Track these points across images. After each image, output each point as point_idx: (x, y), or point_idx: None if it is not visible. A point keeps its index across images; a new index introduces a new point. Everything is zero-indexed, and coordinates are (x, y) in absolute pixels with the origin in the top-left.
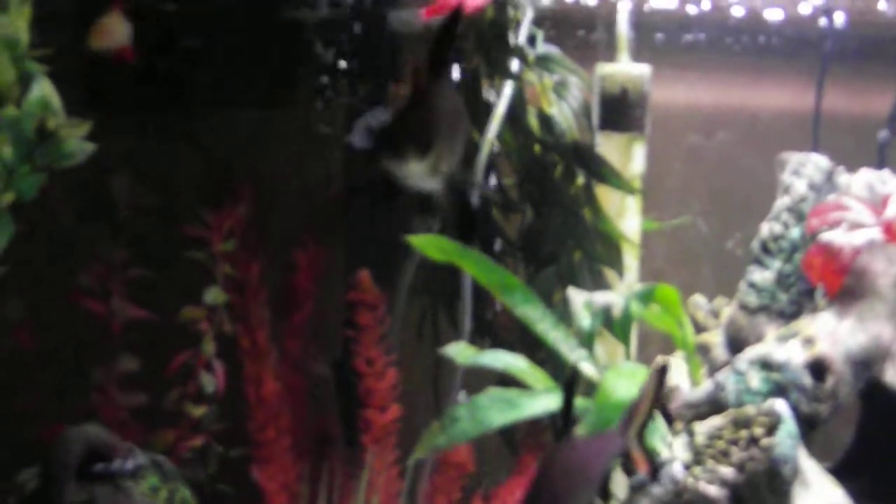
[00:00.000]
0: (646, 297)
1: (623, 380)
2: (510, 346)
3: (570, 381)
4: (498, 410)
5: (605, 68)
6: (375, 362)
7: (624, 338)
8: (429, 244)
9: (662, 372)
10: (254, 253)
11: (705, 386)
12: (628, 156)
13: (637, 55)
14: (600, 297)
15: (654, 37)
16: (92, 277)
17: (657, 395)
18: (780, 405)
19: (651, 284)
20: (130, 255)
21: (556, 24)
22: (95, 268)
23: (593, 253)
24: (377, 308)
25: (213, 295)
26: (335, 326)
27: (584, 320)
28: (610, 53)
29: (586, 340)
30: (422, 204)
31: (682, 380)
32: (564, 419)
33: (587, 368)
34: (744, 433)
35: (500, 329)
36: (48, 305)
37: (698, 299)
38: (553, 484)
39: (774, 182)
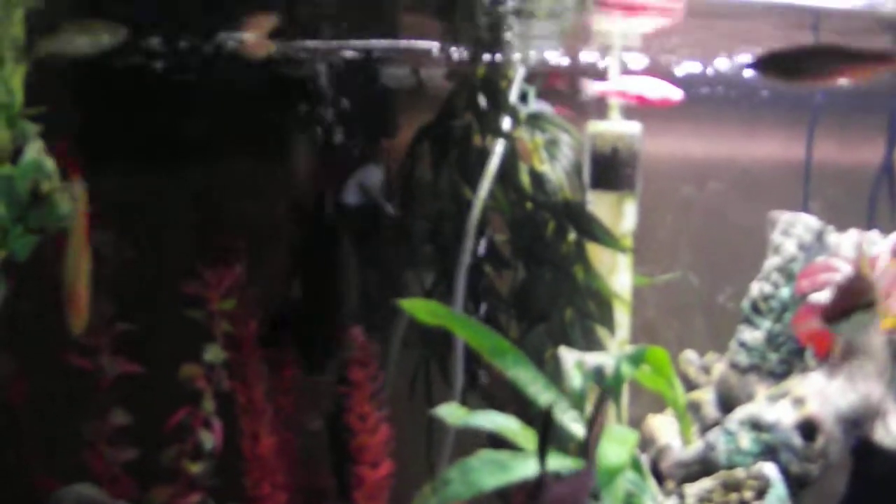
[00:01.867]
0: (636, 359)
1: (615, 445)
2: (502, 403)
3: (545, 423)
4: (489, 473)
5: (595, 126)
6: (368, 418)
7: (615, 399)
8: (419, 308)
9: (602, 400)
10: (250, 309)
11: (696, 446)
12: (619, 213)
13: (627, 109)
14: (591, 358)
15: None
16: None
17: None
18: (770, 469)
19: (642, 346)
20: (119, 309)
21: (546, 81)
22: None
23: (585, 310)
24: (369, 365)
25: (213, 353)
26: (328, 381)
27: (576, 380)
28: (601, 110)
29: (577, 401)
30: (414, 258)
31: (674, 438)
32: (540, 458)
33: (578, 430)
34: (734, 496)
35: (491, 385)
36: (38, 361)
37: (690, 355)
38: None
39: (766, 235)
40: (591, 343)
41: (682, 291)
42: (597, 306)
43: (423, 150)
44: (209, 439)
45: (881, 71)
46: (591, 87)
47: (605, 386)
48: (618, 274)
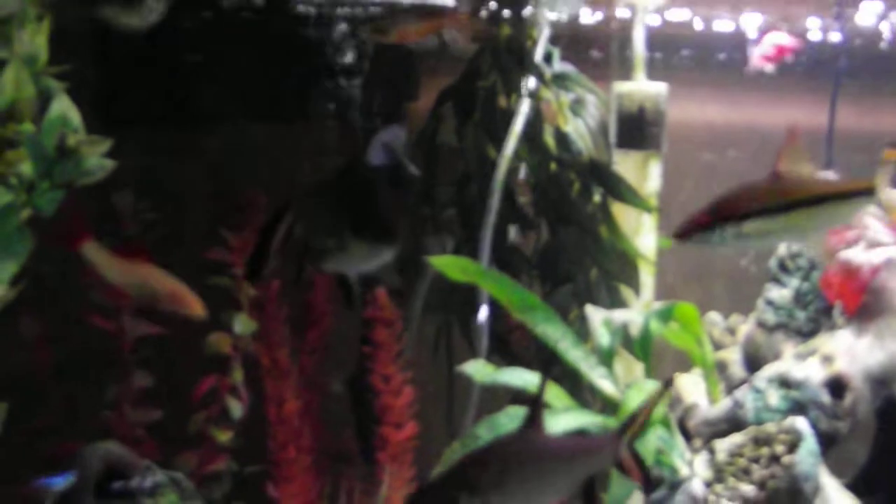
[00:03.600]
0: (665, 316)
1: (644, 397)
2: (525, 363)
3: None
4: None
5: (621, 86)
6: (392, 379)
7: (643, 356)
8: (450, 265)
9: (668, 385)
10: (274, 272)
11: (724, 403)
12: (644, 173)
13: (650, 73)
14: (619, 315)
15: (668, 54)
16: (104, 294)
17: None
18: (801, 423)
19: (670, 302)
20: None
21: (571, 42)
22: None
23: (610, 271)
24: (393, 325)
25: (243, 323)
26: (351, 343)
27: (603, 338)
28: (624, 71)
29: (605, 358)
30: (435, 221)
31: (700, 397)
32: (534, 405)
33: (606, 386)
34: (765, 451)
35: (515, 345)
36: (63, 322)
37: (714, 317)
38: (506, 475)
39: None
40: (616, 303)
41: (703, 254)
42: (622, 267)
43: (446, 111)
44: (237, 407)
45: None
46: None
47: (637, 343)
48: (643, 235)
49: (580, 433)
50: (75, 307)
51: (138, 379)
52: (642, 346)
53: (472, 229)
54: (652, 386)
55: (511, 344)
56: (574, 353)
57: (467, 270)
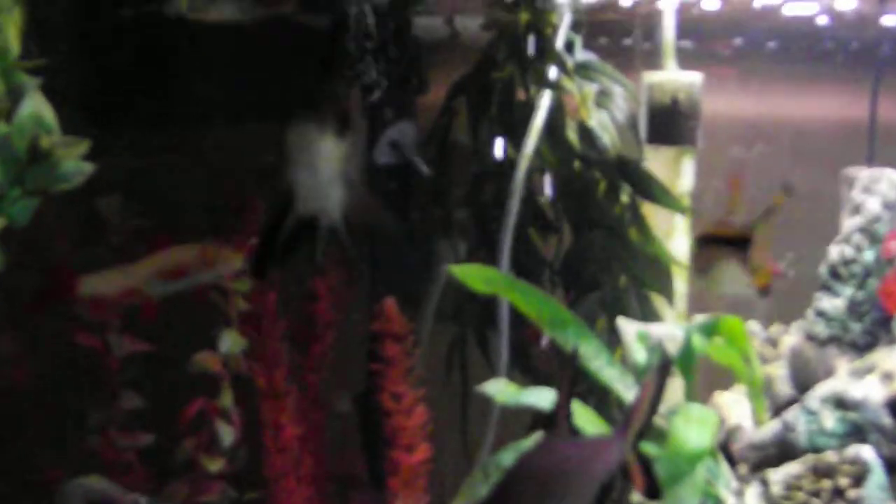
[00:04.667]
0: (709, 330)
1: (694, 427)
2: (547, 378)
3: (571, 369)
4: None
5: (652, 76)
6: (403, 398)
7: (687, 375)
8: (472, 274)
9: (664, 369)
10: (269, 284)
11: (771, 426)
12: (677, 171)
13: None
14: (656, 329)
15: (693, 42)
16: (88, 309)
17: (657, 398)
18: (868, 452)
19: (715, 316)
20: None
21: (591, 30)
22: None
23: (641, 277)
24: (404, 339)
25: (231, 341)
26: (357, 358)
27: (639, 354)
28: (648, 60)
29: (642, 377)
30: (448, 224)
31: (744, 418)
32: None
33: None
34: (826, 483)
35: (536, 358)
36: (43, 339)
37: (753, 327)
38: (521, 491)
39: (827, 197)
40: (647, 313)
41: None
42: (654, 273)
43: (459, 104)
44: (228, 433)
45: None
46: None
47: (679, 360)
48: (675, 238)
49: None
50: (55, 322)
51: (126, 401)
52: (684, 365)
53: (488, 232)
54: (700, 412)
55: (532, 357)
56: (609, 373)
57: (492, 281)
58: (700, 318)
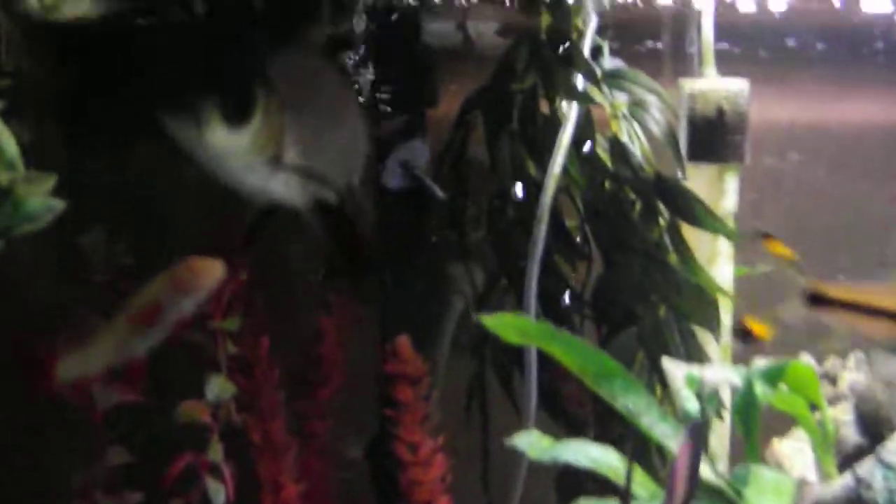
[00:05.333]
0: (774, 377)
1: (770, 498)
2: (580, 424)
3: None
4: None
5: (693, 85)
6: (420, 448)
7: (749, 429)
8: (506, 325)
9: (696, 430)
10: (262, 325)
11: (843, 482)
12: (720, 189)
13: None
14: (710, 374)
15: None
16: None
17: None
18: None
19: (781, 361)
20: None
21: (617, 34)
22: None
23: (683, 309)
24: (420, 381)
25: (218, 387)
26: (368, 402)
27: (689, 403)
28: (678, 65)
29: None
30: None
31: (808, 470)
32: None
33: (705, 471)
34: None
35: (567, 401)
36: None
37: (805, 358)
38: None
39: (880, 212)
40: (691, 349)
41: (781, 283)
42: (697, 304)
43: (475, 119)
44: (219, 491)
45: None
46: None
47: (736, 410)
48: (719, 264)
49: None
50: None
51: (113, 457)
52: (744, 416)
53: (509, 258)
54: (774, 478)
55: (561, 397)
56: (661, 429)
57: (527, 332)
58: (761, 361)
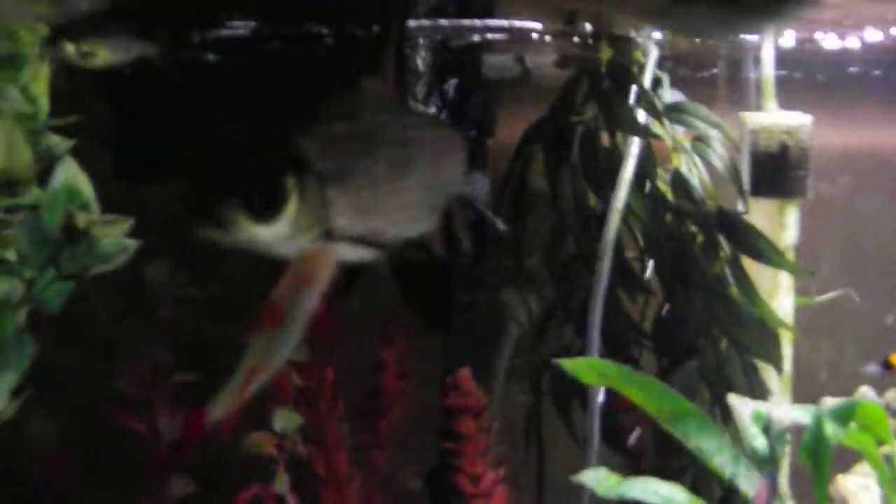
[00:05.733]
0: (844, 417)
1: None
2: (640, 455)
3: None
4: None
5: (755, 119)
6: (482, 479)
7: (818, 468)
8: (584, 368)
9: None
10: (326, 357)
11: None
12: (781, 223)
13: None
14: (778, 412)
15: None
16: (131, 387)
17: None
18: None
19: (850, 400)
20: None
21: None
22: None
23: (745, 343)
24: (482, 414)
25: (285, 419)
26: (425, 432)
27: (758, 441)
28: (738, 96)
29: (764, 466)
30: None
31: None
32: None
33: None
34: None
35: (627, 434)
36: (83, 423)
37: (866, 392)
38: None
39: None
40: (754, 383)
41: (836, 314)
42: (760, 338)
43: (533, 151)
44: None
45: None
46: None
47: (805, 449)
48: (780, 297)
49: None
50: (96, 403)
51: (177, 487)
52: (814, 455)
53: (569, 290)
54: None
55: (622, 430)
56: (733, 470)
57: (606, 374)
58: (830, 401)
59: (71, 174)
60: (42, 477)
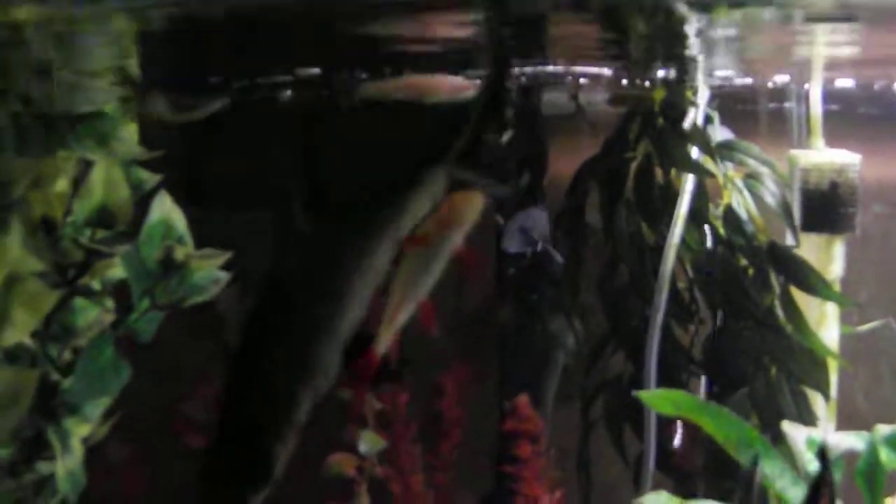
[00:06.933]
0: None
1: None
2: (691, 478)
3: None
4: None
5: (806, 157)
6: (539, 502)
7: (873, 494)
8: (660, 399)
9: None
10: (400, 384)
11: None
12: (828, 257)
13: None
14: (833, 438)
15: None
16: (199, 406)
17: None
18: None
19: None
20: None
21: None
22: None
23: (795, 372)
24: (539, 439)
25: (369, 442)
26: (480, 454)
27: (812, 465)
28: (779, 135)
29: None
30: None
31: None
32: None
33: None
34: None
35: (679, 458)
36: (158, 442)
37: None
38: None
39: None
40: (802, 410)
41: (881, 341)
42: (809, 366)
43: (588, 186)
44: None
45: None
46: None
47: (860, 475)
48: (826, 327)
49: None
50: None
51: None
52: (868, 481)
53: (622, 320)
54: None
55: (673, 455)
56: (793, 493)
57: (681, 404)
58: (884, 428)
59: (166, 209)
60: (119, 493)
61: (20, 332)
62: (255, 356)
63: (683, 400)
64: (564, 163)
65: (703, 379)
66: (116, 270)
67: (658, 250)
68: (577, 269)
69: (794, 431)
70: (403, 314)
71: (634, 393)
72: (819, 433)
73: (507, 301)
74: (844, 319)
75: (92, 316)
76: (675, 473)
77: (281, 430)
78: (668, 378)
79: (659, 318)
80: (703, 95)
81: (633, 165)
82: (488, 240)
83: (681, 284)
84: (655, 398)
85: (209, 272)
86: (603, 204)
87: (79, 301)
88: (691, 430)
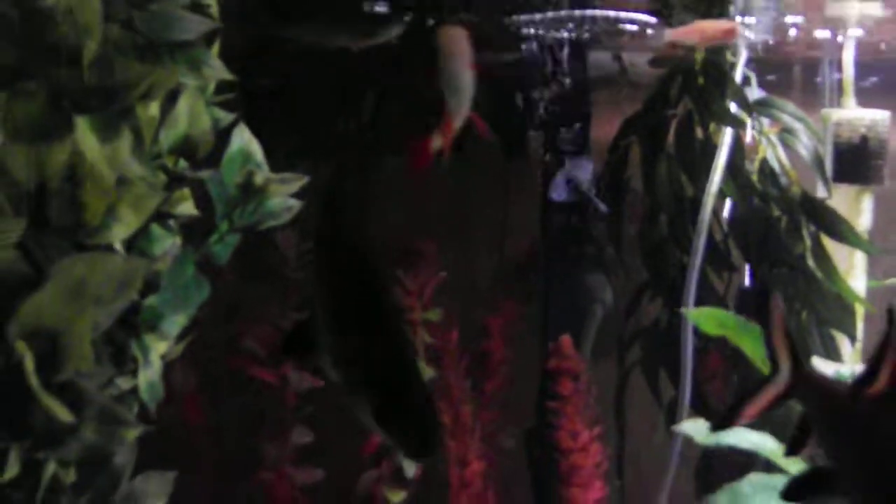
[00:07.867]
0: None
1: None
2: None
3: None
4: (763, 500)
5: (838, 114)
6: (579, 436)
7: None
8: (705, 318)
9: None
10: (452, 318)
11: None
12: (857, 209)
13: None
14: (848, 372)
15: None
16: (261, 343)
17: None
18: None
19: None
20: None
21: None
22: (265, 332)
23: (825, 316)
24: (580, 377)
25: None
26: (524, 393)
27: None
28: (813, 96)
29: None
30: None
31: None
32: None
33: None
34: None
35: (711, 398)
36: (217, 375)
37: None
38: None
39: None
40: (831, 353)
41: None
42: (839, 312)
43: (630, 142)
44: (411, 465)
45: None
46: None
47: None
48: (854, 276)
49: None
50: (229, 357)
51: (298, 436)
52: None
53: (661, 270)
54: None
55: (708, 397)
56: None
57: (725, 324)
58: None
59: (245, 138)
60: (182, 418)
61: (127, 229)
62: None
63: (727, 319)
64: (608, 120)
65: None
66: (188, 205)
67: (696, 201)
68: (619, 222)
69: (823, 366)
70: (457, 123)
71: (679, 310)
72: (846, 369)
73: (553, 249)
74: (871, 275)
75: (167, 244)
76: (707, 413)
77: None
78: None
79: (697, 262)
80: (741, 56)
81: (674, 122)
82: (534, 188)
83: (716, 235)
84: (700, 316)
85: (283, 200)
86: (645, 157)
87: (155, 229)
88: (725, 369)
